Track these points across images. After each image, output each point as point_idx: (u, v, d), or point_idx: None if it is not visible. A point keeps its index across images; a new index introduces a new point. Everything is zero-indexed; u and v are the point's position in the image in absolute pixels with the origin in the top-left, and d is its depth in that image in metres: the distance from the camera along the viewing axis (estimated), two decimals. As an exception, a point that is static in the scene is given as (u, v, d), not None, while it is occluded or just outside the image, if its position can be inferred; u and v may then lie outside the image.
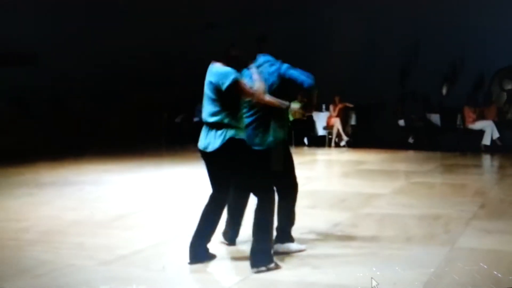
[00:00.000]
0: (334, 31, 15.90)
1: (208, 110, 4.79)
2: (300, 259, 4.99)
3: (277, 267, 4.68)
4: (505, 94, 16.29)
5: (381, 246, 5.37)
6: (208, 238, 4.97)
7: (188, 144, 14.75)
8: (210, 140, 4.75)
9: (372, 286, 4.21)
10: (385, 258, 4.95)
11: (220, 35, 4.51)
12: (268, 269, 4.61)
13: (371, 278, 4.30)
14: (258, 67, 4.97)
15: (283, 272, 4.63)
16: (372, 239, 5.66)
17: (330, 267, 4.73)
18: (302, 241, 5.34)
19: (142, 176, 10.04)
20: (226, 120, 4.70)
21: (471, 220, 6.48)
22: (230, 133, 4.69)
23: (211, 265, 4.88)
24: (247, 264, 4.69)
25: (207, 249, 4.95)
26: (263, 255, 4.65)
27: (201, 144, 4.84)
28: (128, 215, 6.85)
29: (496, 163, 12.60)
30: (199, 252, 4.88)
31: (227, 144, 4.68)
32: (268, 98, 4.88)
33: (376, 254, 5.09)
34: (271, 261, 4.68)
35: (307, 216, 6.43)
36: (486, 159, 13.03)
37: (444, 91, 16.71)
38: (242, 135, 4.76)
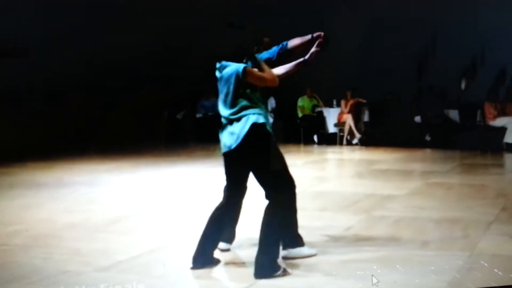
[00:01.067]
0: (347, 23, 15.86)
1: (224, 107, 4.85)
2: (311, 264, 4.97)
3: (285, 273, 4.67)
4: (528, 88, 16.23)
5: (396, 251, 5.34)
6: (217, 243, 4.98)
7: (190, 141, 14.80)
8: (232, 136, 4.77)
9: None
10: (400, 264, 4.91)
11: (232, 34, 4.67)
12: (275, 277, 4.60)
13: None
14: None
15: (292, 279, 4.62)
16: (387, 243, 5.65)
17: (341, 273, 4.72)
18: (312, 245, 5.33)
19: (140, 176, 10.05)
20: (244, 111, 4.74)
21: (492, 223, 6.44)
22: (251, 118, 4.72)
23: (215, 271, 4.88)
24: (252, 269, 4.68)
25: (212, 254, 4.95)
26: (268, 264, 4.64)
27: (224, 146, 4.86)
28: (126, 218, 6.86)
29: (518, 162, 12.56)
30: (205, 257, 4.88)
31: (251, 131, 4.70)
32: (280, 70, 4.89)
33: (391, 260, 5.06)
34: (277, 269, 4.66)
35: (318, 219, 6.43)
36: (509, 158, 13.00)
37: (463, 85, 16.65)
38: (263, 119, 4.76)
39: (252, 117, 4.73)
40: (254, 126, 4.71)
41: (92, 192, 8.56)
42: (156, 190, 8.79)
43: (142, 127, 15.59)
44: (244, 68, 4.75)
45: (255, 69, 4.83)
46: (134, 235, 6.12)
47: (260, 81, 4.81)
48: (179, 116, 16.19)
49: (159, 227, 6.43)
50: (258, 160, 4.76)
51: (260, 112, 4.80)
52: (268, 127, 4.81)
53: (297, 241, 5.18)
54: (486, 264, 4.85)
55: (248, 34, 5.01)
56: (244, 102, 4.77)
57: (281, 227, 4.77)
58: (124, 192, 8.65)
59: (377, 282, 4.29)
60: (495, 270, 4.70)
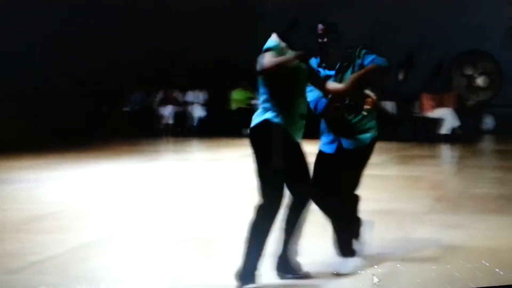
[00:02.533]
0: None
1: None
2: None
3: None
4: (465, 79, 16.55)
5: (329, 244, 5.19)
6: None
7: (117, 136, 14.43)
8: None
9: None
10: (332, 257, 4.82)
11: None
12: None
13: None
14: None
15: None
16: (319, 237, 5.56)
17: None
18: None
19: (62, 174, 9.69)
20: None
21: (427, 214, 6.51)
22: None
23: (134, 274, 4.72)
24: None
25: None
26: (243, 272, 4.31)
27: None
28: (43, 217, 6.62)
29: (455, 153, 12.75)
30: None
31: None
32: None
33: (322, 253, 4.97)
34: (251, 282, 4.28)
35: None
36: (445, 150, 13.19)
37: (400, 77, 16.82)
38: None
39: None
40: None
41: (8, 190, 8.24)
42: (78, 188, 8.53)
43: (68, 122, 15.18)
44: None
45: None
46: (52, 234, 5.89)
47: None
48: (103, 109, 15.81)
49: (80, 226, 6.22)
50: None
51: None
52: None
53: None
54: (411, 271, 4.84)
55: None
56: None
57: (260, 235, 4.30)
58: (42, 190, 8.34)
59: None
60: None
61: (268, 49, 4.25)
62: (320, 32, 4.74)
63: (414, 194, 7.71)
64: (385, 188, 8.23)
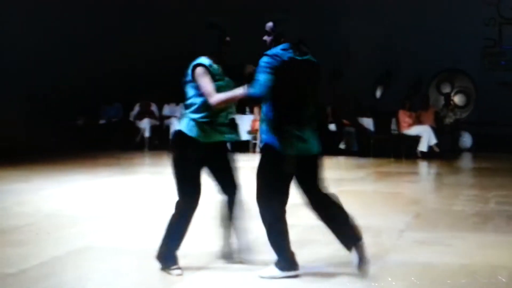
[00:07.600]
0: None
1: None
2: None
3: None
4: (442, 98, 16.68)
5: (304, 262, 5.23)
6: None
7: (93, 149, 14.17)
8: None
9: None
10: (308, 276, 4.86)
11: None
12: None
13: None
14: None
15: None
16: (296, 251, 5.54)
17: None
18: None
19: (35, 187, 9.52)
20: None
21: (404, 231, 6.50)
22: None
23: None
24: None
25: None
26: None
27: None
28: (11, 231, 6.48)
29: (432, 170, 12.80)
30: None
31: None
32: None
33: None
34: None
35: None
36: (422, 167, 13.24)
37: (378, 94, 16.94)
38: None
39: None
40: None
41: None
42: (51, 202, 8.38)
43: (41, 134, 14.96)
44: None
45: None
46: (19, 248, 5.75)
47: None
48: (79, 122, 15.62)
49: (49, 240, 6.11)
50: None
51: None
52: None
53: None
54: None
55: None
56: None
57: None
58: (16, 203, 8.20)
59: None
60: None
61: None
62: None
63: (391, 210, 7.71)
64: (361, 203, 8.12)
